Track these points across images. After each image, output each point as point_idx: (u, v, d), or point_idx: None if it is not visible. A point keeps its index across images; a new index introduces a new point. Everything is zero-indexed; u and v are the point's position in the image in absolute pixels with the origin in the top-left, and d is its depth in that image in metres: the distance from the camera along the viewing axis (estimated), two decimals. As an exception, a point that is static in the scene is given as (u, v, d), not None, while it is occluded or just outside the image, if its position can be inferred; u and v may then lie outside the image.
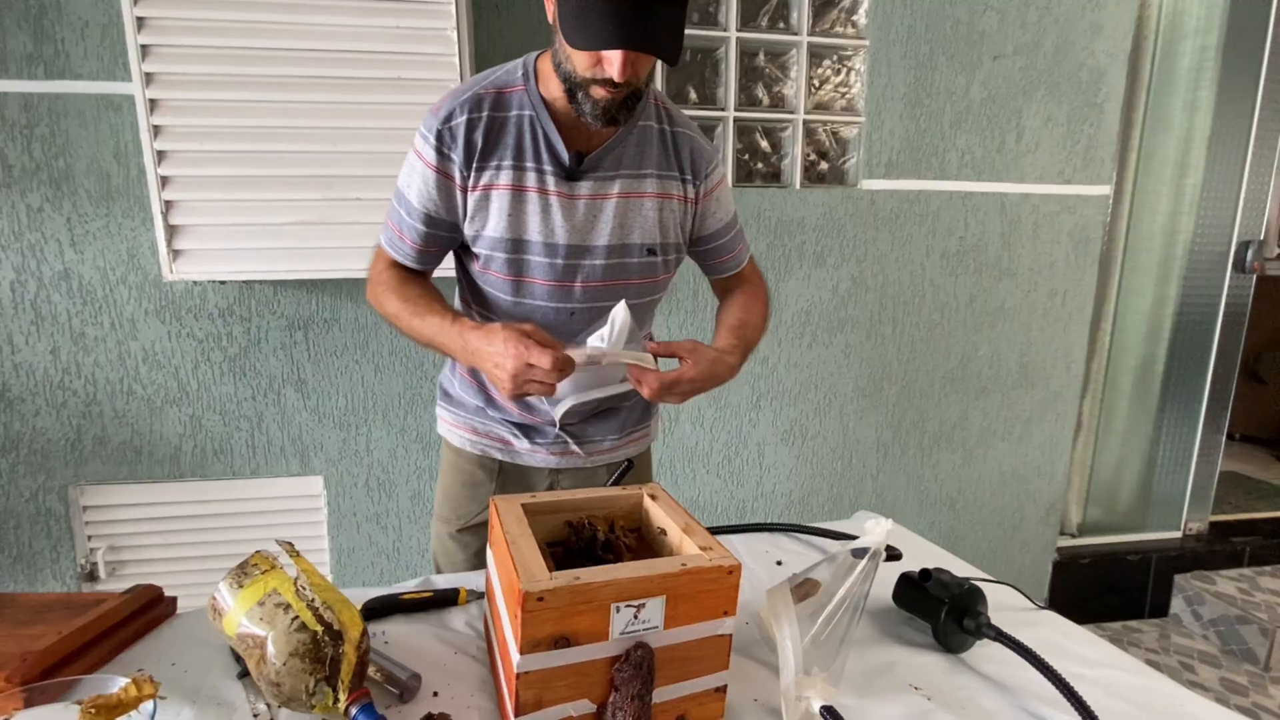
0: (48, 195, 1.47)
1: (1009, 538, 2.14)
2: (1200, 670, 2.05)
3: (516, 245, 0.92)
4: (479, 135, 0.88)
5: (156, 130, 1.29)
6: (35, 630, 0.75)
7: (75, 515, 1.60)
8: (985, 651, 0.86)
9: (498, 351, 0.79)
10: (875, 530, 0.84)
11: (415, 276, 0.97)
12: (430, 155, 0.89)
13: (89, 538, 1.62)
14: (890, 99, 1.80)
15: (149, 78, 1.28)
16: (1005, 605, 0.97)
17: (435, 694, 0.73)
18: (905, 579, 0.92)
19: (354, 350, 1.64)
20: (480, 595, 0.92)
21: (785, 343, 1.86)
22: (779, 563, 1.06)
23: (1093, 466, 2.31)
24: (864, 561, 0.80)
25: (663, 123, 0.97)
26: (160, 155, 1.30)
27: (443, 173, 0.89)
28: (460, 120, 0.88)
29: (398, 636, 0.83)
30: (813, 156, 1.80)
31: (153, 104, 1.29)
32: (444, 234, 0.94)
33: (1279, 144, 2.21)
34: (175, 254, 1.35)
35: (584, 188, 0.92)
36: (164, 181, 1.32)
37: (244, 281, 1.55)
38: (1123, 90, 1.95)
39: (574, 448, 1.07)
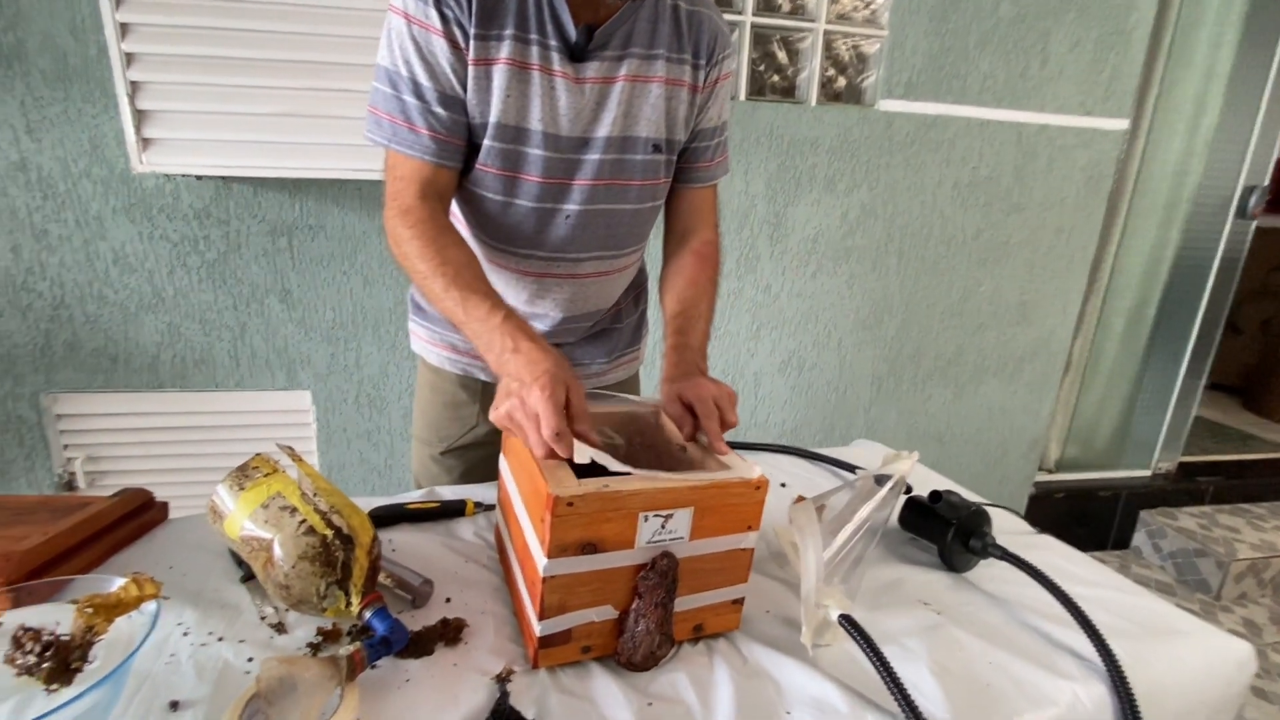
0: (-5, 73, 1.32)
1: (990, 471, 2.19)
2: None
3: (516, 134, 0.79)
4: None
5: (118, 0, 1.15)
6: (17, 531, 0.71)
7: (49, 423, 1.54)
8: (987, 571, 0.88)
9: (524, 383, 0.65)
10: (902, 462, 0.84)
11: (449, 229, 0.79)
12: (431, 17, 0.73)
13: (65, 447, 1.56)
14: (916, 12, 1.69)
15: (104, -65, 1.13)
16: (1004, 529, 0.98)
17: (448, 600, 0.72)
18: (913, 502, 0.92)
19: (341, 260, 1.56)
20: (488, 508, 0.90)
21: (790, 271, 1.82)
22: (783, 484, 1.06)
23: (1076, 405, 2.35)
24: (885, 489, 0.79)
25: None
26: (124, 29, 1.17)
27: (450, 39, 0.74)
28: None
29: (405, 545, 0.81)
30: (830, 72, 1.70)
31: (111, -33, 1.15)
32: (464, 118, 0.79)
33: (1297, 87, 2.16)
34: (145, 143, 1.24)
35: (590, 69, 0.80)
36: (129, 59, 1.19)
37: (222, 179, 1.44)
38: (1153, 19, 1.86)
39: None
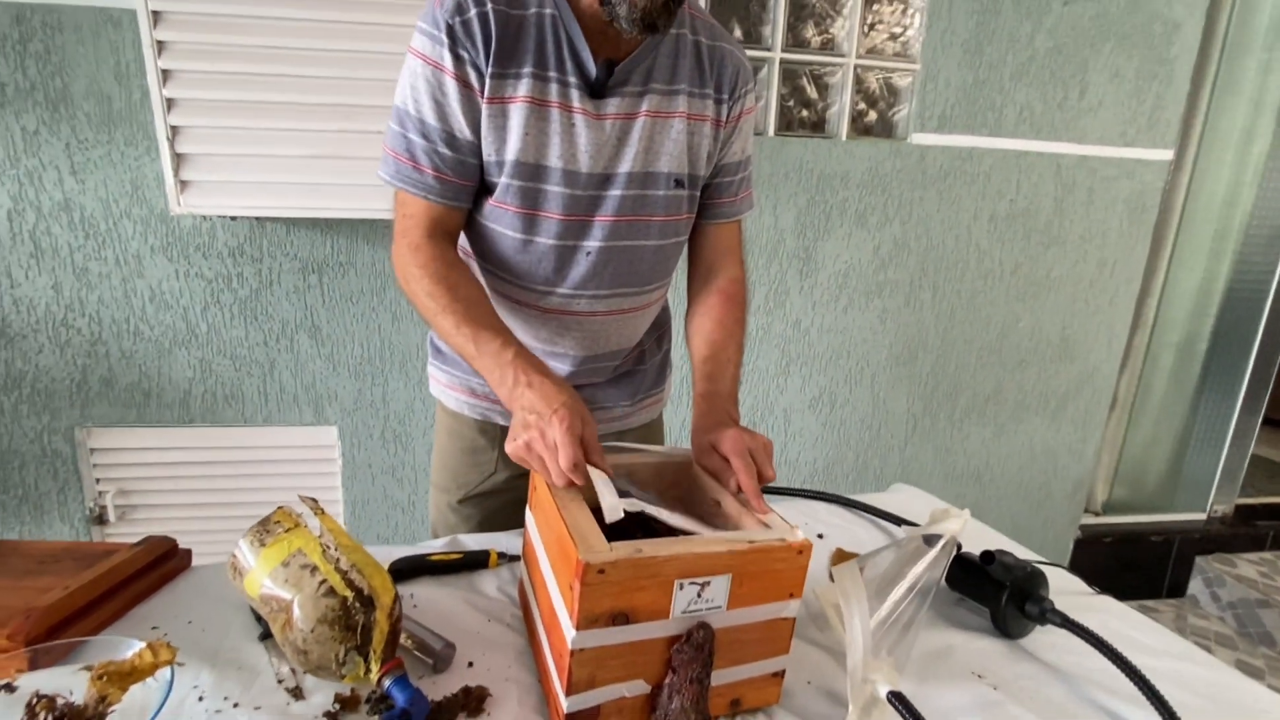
0: (44, 118, 1.37)
1: (1032, 513, 2.10)
2: (1217, 652, 2.03)
3: (535, 172, 0.78)
4: (495, 33, 0.73)
5: (160, 46, 1.19)
6: (41, 582, 0.70)
7: (83, 457, 1.56)
8: (1045, 638, 0.82)
9: (541, 415, 0.65)
10: (952, 521, 0.79)
11: (458, 265, 0.80)
12: (445, 58, 0.73)
13: (97, 481, 1.58)
14: (949, 45, 1.67)
15: (151, -13, 1.17)
16: (1059, 589, 0.92)
17: (470, 664, 0.68)
18: (962, 561, 0.87)
19: (370, 297, 1.56)
20: (512, 558, 0.87)
21: (820, 306, 1.78)
22: (820, 535, 1.01)
23: (1124, 444, 2.25)
24: (936, 550, 0.75)
25: (698, 34, 0.84)
26: (165, 75, 1.20)
27: (462, 80, 0.74)
28: (473, 14, 0.73)
29: (426, 600, 0.78)
30: (861, 106, 1.68)
31: (156, 16, 1.18)
32: (472, 160, 0.79)
33: (1351, 113, 2.08)
34: (182, 185, 1.26)
35: (610, 105, 0.79)
36: (169, 104, 1.22)
37: (255, 219, 1.46)
38: (1197, 46, 1.81)
39: None
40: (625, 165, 0.81)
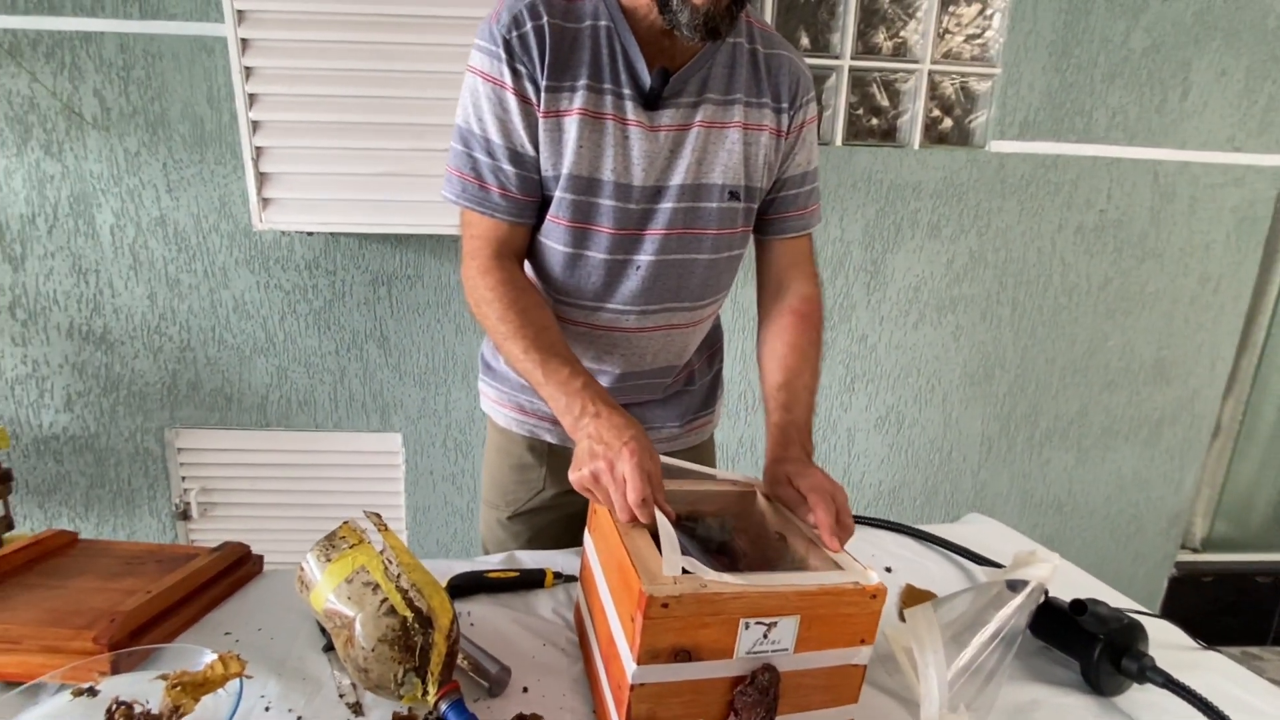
0: (144, 139, 1.47)
1: (1121, 547, 1.94)
2: (1338, 712, 1.82)
3: (589, 185, 0.77)
4: (549, 46, 0.73)
5: (248, 72, 1.25)
6: (125, 584, 0.73)
7: (171, 456, 1.65)
8: (1142, 697, 0.74)
9: (610, 447, 0.64)
10: (1039, 566, 0.73)
11: (528, 289, 0.79)
12: (504, 74, 0.73)
13: (183, 479, 1.67)
14: (1033, 47, 1.57)
15: (241, 15, 1.24)
16: (1159, 642, 0.83)
17: (525, 690, 0.67)
18: (1050, 608, 0.80)
19: (435, 309, 1.60)
20: (568, 579, 0.86)
21: (888, 321, 1.71)
22: (888, 569, 0.96)
23: (1227, 476, 2.05)
24: (1022, 596, 0.69)
25: (754, 42, 0.81)
26: (251, 99, 1.27)
27: (521, 95, 0.74)
28: (529, 28, 0.72)
29: (483, 619, 0.78)
30: (935, 113, 1.60)
31: (244, 44, 1.25)
32: (536, 176, 0.78)
33: None
34: (265, 202, 1.33)
35: (665, 116, 0.77)
36: (255, 126, 1.29)
37: (330, 234, 1.52)
38: (1318, 40, 1.65)
39: None
40: (677, 177, 0.79)
